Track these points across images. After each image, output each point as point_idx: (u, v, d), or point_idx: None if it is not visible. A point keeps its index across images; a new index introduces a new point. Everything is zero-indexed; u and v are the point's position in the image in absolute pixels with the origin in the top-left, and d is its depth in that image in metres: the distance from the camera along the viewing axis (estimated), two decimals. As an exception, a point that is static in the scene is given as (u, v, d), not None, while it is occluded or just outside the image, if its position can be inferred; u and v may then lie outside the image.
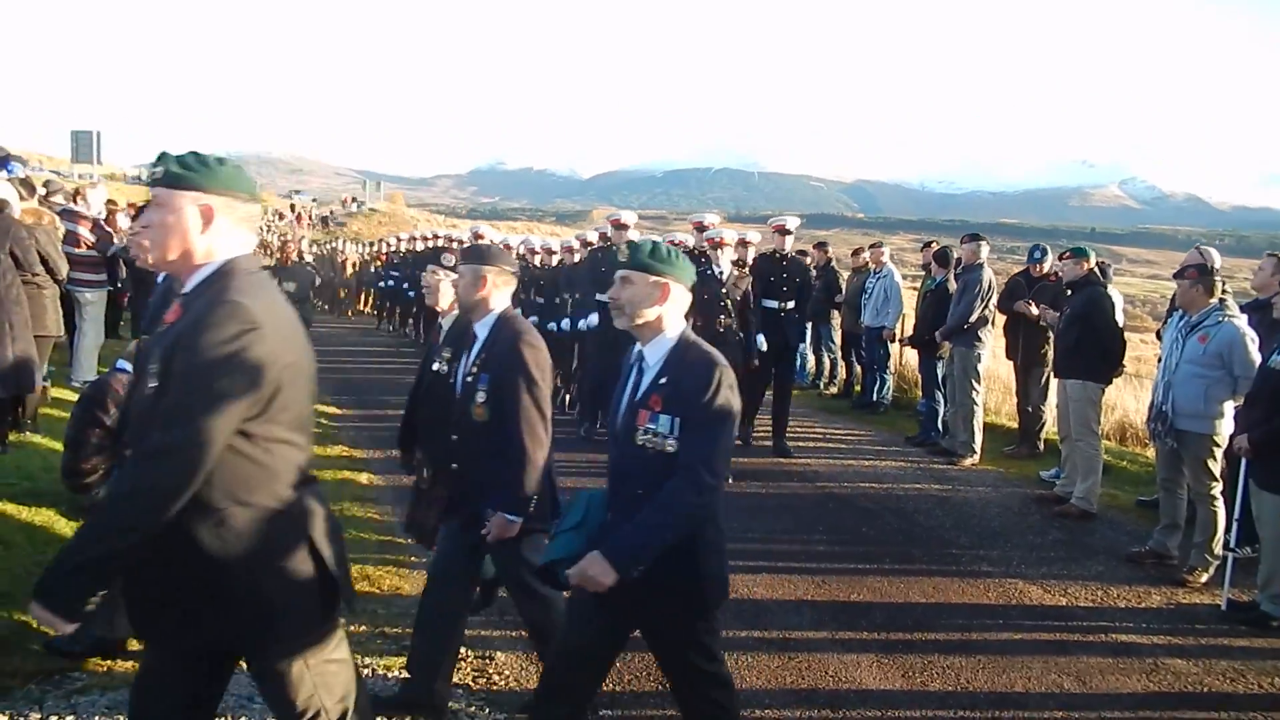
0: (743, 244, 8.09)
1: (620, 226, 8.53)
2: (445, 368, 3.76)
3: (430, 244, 15.75)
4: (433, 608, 3.48)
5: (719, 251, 7.40)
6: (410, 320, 16.72)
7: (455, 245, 13.83)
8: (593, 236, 9.92)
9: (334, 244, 26.76)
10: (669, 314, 2.75)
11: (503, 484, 3.25)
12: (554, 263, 10.22)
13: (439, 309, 4.00)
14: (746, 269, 7.55)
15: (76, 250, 7.55)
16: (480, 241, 8.16)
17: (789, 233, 8.31)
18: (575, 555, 2.71)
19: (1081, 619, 4.81)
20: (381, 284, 18.55)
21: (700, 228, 8.17)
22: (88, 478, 4.87)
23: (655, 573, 2.61)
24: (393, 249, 18.73)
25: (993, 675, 4.10)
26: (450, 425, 3.49)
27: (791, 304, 8.22)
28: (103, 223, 7.92)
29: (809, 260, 10.85)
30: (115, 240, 8.15)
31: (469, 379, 3.38)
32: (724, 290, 7.13)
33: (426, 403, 3.92)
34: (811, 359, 12.51)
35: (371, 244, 24.12)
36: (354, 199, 65.92)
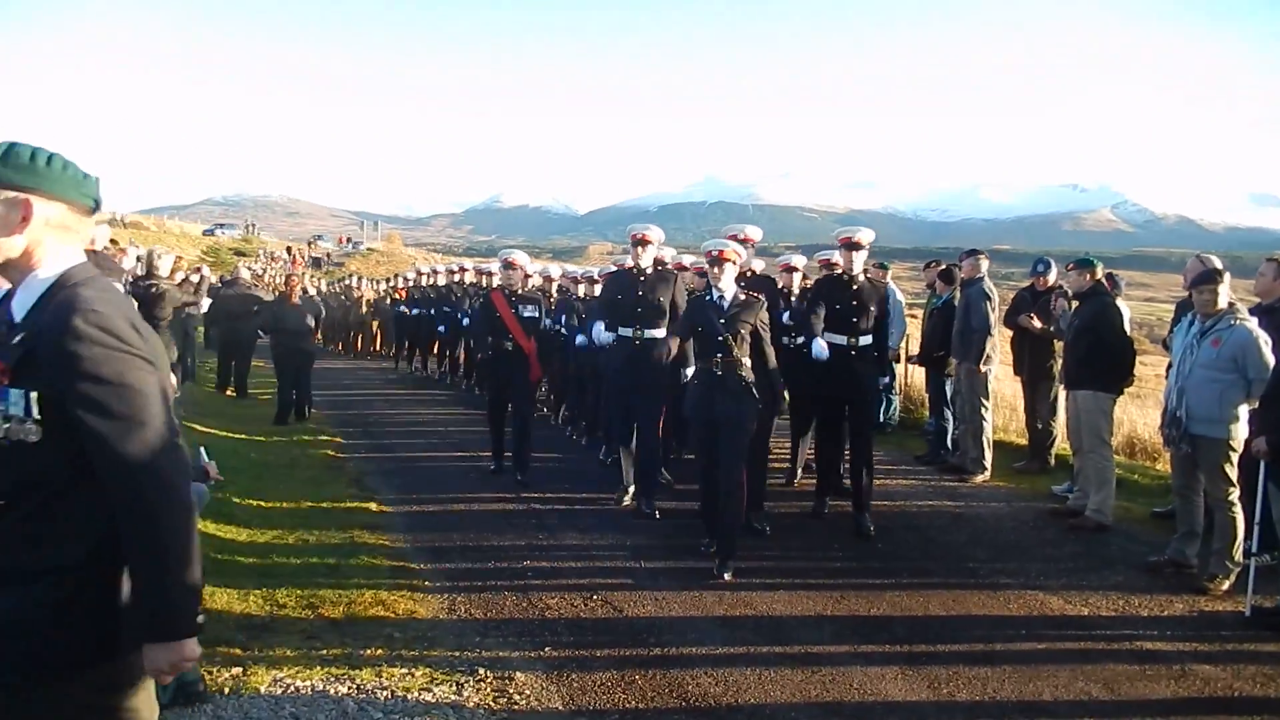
0: (787, 270, 7.35)
1: (641, 243, 6.99)
2: None
3: (456, 276, 14.98)
4: None
5: (719, 269, 5.70)
6: (435, 357, 15.83)
7: (484, 277, 13.33)
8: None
9: (348, 280, 25.23)
10: (42, 243, 1.91)
11: (139, 583, 1.88)
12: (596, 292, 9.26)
13: None
14: (759, 293, 6.02)
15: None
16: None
17: (859, 248, 6.59)
18: None
19: (1105, 628, 4.75)
20: (402, 312, 16.98)
21: (735, 240, 6.40)
22: None
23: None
24: (412, 283, 17.67)
25: (1020, 684, 4.05)
26: None
27: (868, 338, 6.58)
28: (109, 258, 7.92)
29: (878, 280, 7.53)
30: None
31: None
32: (722, 321, 5.58)
33: None
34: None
35: (388, 279, 23.52)
36: (349, 239, 66.05)
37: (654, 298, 6.91)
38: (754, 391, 5.56)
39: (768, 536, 6.17)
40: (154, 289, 8.52)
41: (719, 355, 5.55)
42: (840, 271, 6.74)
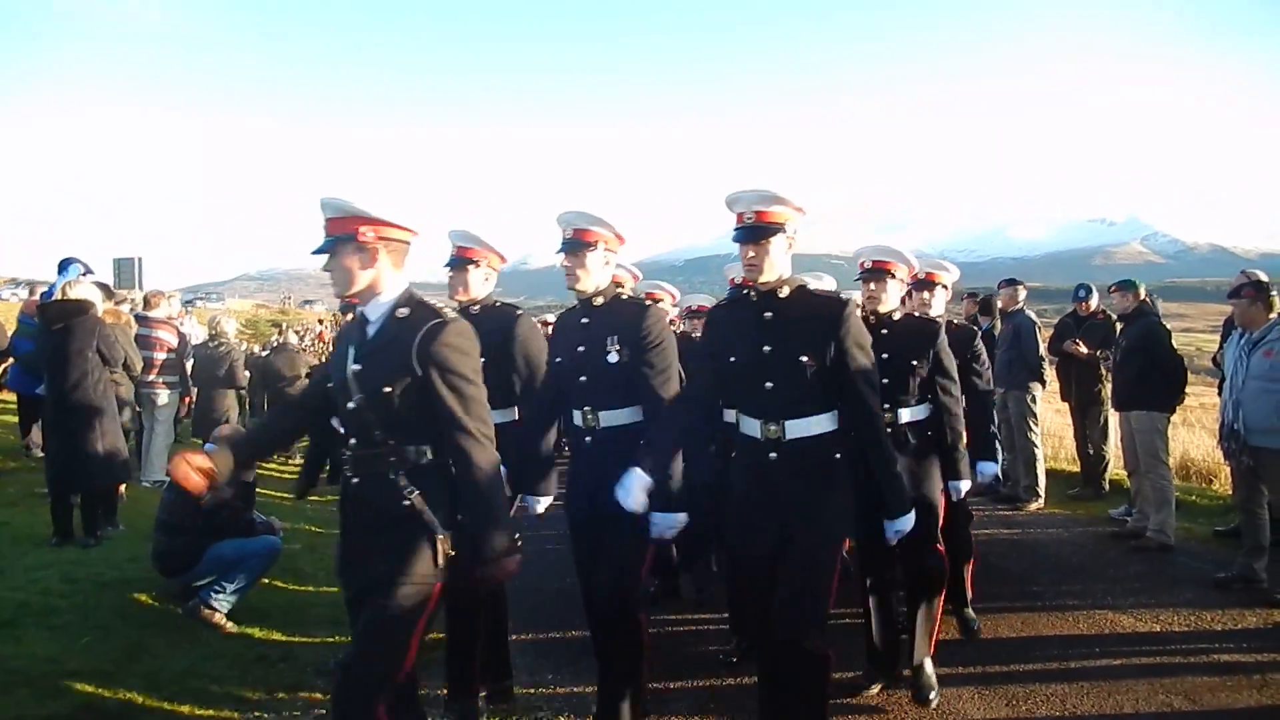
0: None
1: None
2: None
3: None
4: None
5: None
6: None
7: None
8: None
9: None
10: None
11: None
12: None
13: None
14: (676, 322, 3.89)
15: (156, 354, 7.83)
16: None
17: (887, 276, 4.01)
18: None
19: (1179, 643, 4.71)
20: None
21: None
22: (180, 560, 4.97)
23: None
24: None
25: (1099, 699, 4.02)
26: None
27: (915, 411, 4.03)
28: (178, 325, 8.26)
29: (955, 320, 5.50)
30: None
31: None
32: (357, 366, 2.72)
33: None
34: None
35: None
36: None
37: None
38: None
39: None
40: (222, 347, 8.81)
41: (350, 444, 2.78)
42: (865, 311, 4.04)
